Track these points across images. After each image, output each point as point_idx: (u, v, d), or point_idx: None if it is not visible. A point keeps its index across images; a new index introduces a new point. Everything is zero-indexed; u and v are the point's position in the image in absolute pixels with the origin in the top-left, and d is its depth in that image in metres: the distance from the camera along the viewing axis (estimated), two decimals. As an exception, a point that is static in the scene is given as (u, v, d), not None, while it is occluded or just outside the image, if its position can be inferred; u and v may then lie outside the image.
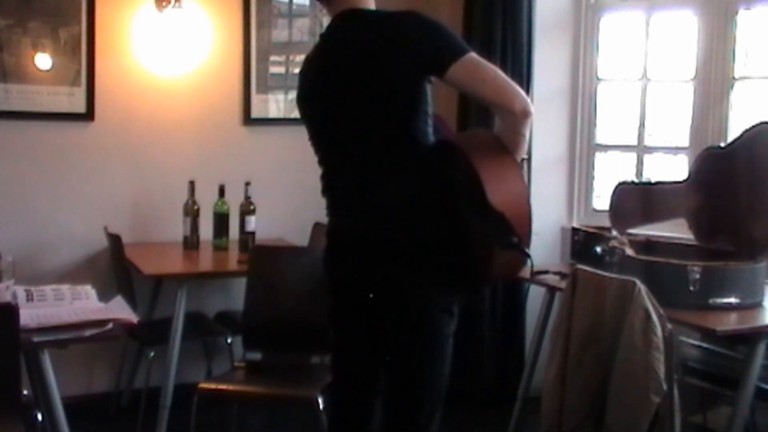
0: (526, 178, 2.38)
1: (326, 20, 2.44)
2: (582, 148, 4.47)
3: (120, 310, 2.57)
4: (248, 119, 4.44)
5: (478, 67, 2.21)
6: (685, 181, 3.47)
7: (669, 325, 2.73)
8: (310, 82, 2.42)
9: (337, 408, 2.58)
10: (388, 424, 2.41)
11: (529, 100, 2.21)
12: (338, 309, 2.46)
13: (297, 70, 2.58)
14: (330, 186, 2.41)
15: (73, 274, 3.91)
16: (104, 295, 2.71)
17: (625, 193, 3.66)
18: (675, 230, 3.60)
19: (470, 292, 2.35)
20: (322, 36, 2.43)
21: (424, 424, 2.36)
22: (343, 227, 2.39)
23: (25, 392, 2.59)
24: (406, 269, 2.26)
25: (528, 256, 2.19)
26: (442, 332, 2.33)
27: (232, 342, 4.00)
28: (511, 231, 2.12)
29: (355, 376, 2.50)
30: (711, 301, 2.95)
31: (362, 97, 2.27)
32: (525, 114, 2.18)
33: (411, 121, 2.25)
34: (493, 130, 2.35)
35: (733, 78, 3.89)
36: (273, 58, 4.48)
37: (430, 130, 2.30)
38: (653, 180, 3.82)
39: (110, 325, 2.46)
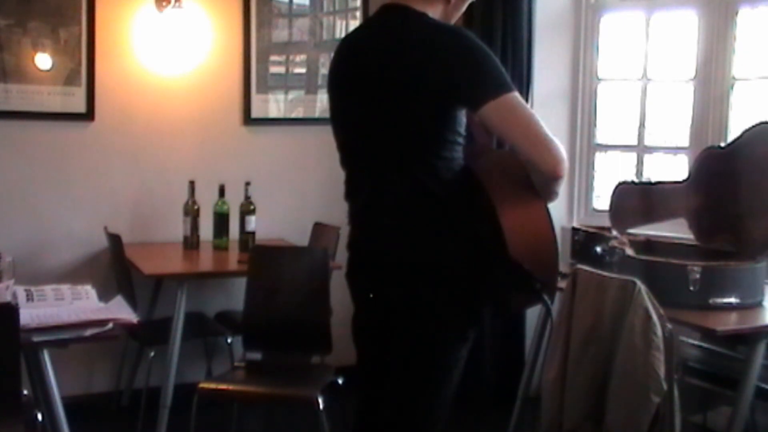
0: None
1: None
2: (582, 148, 4.47)
3: (120, 310, 2.56)
4: (248, 119, 4.44)
5: (514, 113, 1.99)
6: (685, 181, 3.47)
7: (669, 325, 2.72)
8: (339, 71, 2.21)
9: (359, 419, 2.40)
10: None
11: (564, 158, 2.00)
12: (359, 322, 2.30)
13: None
14: (350, 194, 2.23)
15: (73, 274, 3.91)
16: (104, 295, 2.70)
17: (625, 193, 3.65)
18: (675, 230, 3.60)
19: (488, 316, 2.25)
20: (363, 23, 2.29)
21: None
22: (358, 242, 2.23)
23: (25, 392, 2.58)
24: (419, 291, 2.08)
25: (546, 303, 2.05)
26: (446, 357, 2.15)
27: (232, 342, 4.00)
28: (532, 280, 2.00)
29: (376, 391, 2.30)
30: (711, 301, 2.95)
31: (384, 113, 2.06)
32: (554, 176, 1.99)
33: (434, 149, 2.04)
34: None
35: (733, 78, 3.89)
36: (273, 58, 4.46)
37: (459, 155, 2.09)
38: (653, 180, 3.82)
39: (110, 325, 2.45)
